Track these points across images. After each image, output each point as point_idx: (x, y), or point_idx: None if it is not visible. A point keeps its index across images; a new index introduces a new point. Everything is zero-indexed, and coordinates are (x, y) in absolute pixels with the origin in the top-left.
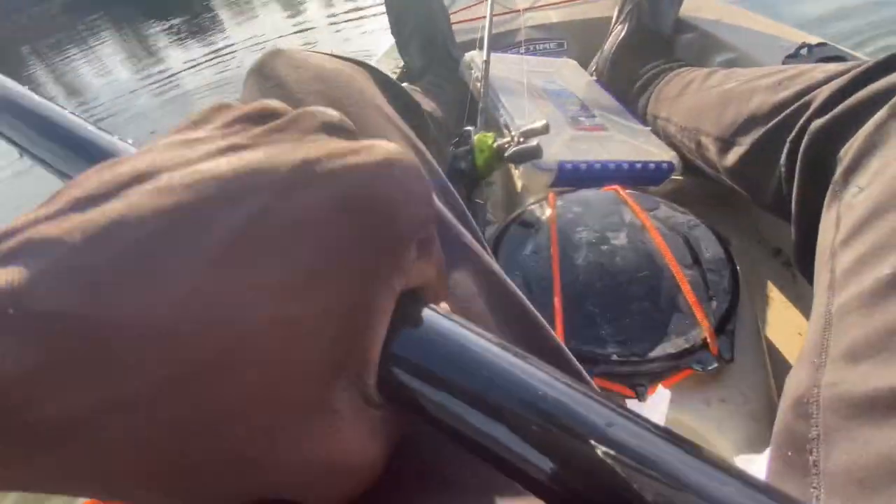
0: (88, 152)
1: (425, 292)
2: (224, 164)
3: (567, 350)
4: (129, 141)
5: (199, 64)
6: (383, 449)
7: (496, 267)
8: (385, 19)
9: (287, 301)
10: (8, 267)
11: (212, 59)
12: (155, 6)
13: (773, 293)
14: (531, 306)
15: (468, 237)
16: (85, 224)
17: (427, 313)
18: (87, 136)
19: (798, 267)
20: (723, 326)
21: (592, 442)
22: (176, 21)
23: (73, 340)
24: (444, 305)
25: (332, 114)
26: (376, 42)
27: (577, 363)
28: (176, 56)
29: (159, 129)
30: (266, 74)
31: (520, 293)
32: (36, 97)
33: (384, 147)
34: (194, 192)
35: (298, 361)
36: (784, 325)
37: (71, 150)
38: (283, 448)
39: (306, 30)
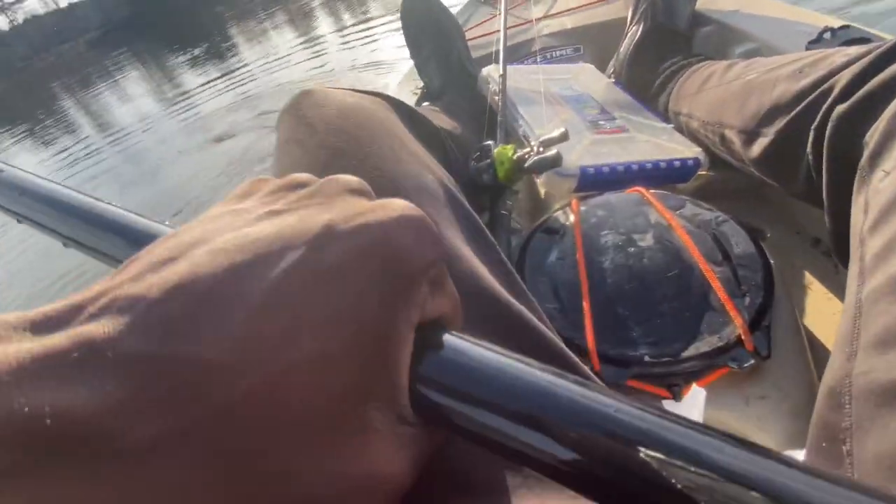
0: (137, 238)
1: (445, 321)
2: (266, 226)
3: (585, 370)
4: (167, 223)
5: (217, 87)
6: (416, 461)
7: (503, 295)
8: (392, 34)
9: (322, 337)
10: (103, 320)
11: (229, 82)
12: (175, 39)
13: (814, 285)
14: (548, 333)
15: (477, 270)
16: (160, 282)
17: (448, 338)
18: (137, 225)
19: (836, 256)
20: (758, 322)
21: (602, 434)
22: (195, 51)
23: (152, 376)
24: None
25: (352, 179)
26: (385, 54)
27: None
28: (196, 82)
29: (185, 150)
30: (296, 115)
31: (534, 321)
32: (78, 194)
33: (397, 204)
34: (243, 251)
35: (334, 387)
36: (827, 317)
37: (121, 237)
38: (324, 462)
39: (318, 51)
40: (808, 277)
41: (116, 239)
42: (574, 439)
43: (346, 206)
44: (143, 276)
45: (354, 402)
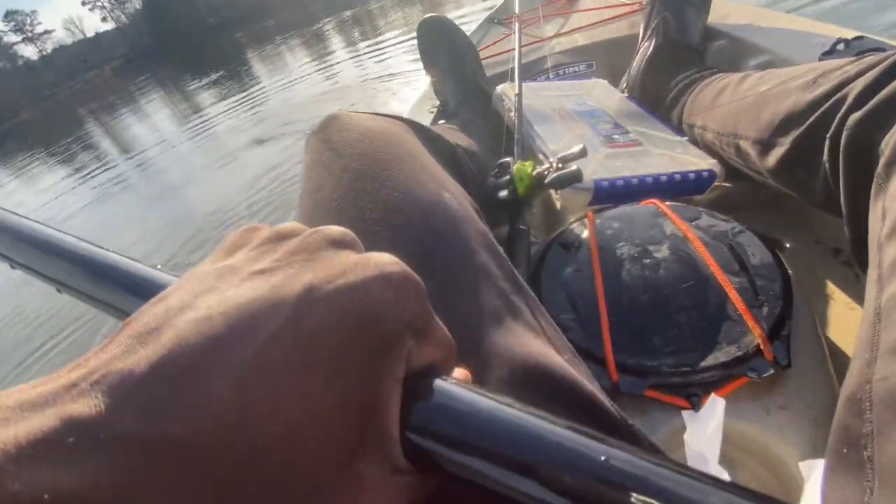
0: (130, 285)
1: (437, 368)
2: (249, 290)
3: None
4: (158, 266)
5: (235, 107)
6: None
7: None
8: (403, 53)
9: (305, 403)
10: (95, 399)
11: (245, 103)
12: (196, 65)
13: (836, 294)
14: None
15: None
16: (146, 357)
17: (438, 385)
18: (130, 271)
19: (857, 264)
20: (777, 332)
21: (591, 479)
22: (215, 74)
23: (141, 457)
24: (460, 374)
25: (335, 231)
26: (396, 70)
27: (607, 405)
28: (214, 103)
29: (207, 166)
30: (322, 139)
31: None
32: (75, 241)
33: (378, 260)
34: (226, 319)
35: (322, 450)
36: (848, 326)
37: (113, 282)
38: None
39: (331, 72)
40: (829, 287)
41: (109, 285)
42: (564, 484)
43: (328, 263)
44: (131, 350)
45: (345, 460)
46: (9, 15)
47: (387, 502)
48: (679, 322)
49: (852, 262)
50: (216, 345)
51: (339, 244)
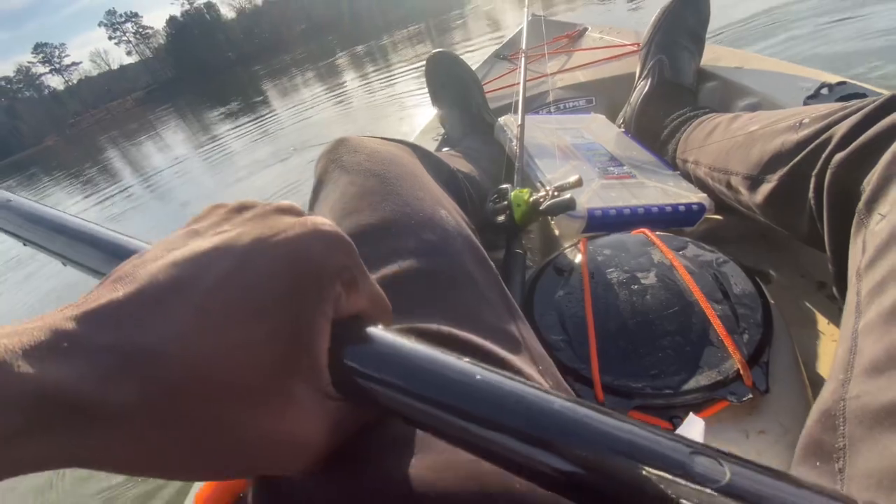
0: (115, 252)
1: (366, 316)
2: (207, 242)
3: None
4: (144, 241)
5: (248, 133)
6: (338, 430)
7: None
8: (411, 80)
9: (248, 327)
10: (86, 319)
11: (259, 129)
12: (215, 96)
13: (819, 326)
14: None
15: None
16: (125, 289)
17: (362, 329)
18: (111, 239)
19: (839, 295)
20: (756, 358)
21: (475, 402)
22: (232, 105)
23: (117, 361)
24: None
25: (284, 203)
26: (403, 98)
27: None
28: (230, 130)
29: (219, 186)
30: (332, 159)
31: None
32: (72, 218)
33: (313, 220)
34: (187, 262)
35: (261, 365)
36: (830, 356)
37: (101, 251)
38: (257, 422)
39: (342, 99)
40: (812, 318)
41: (103, 255)
42: (464, 413)
43: (274, 223)
44: (112, 288)
45: (281, 377)
46: (38, 47)
47: (314, 421)
48: (663, 346)
49: (835, 296)
50: (178, 279)
51: (285, 211)
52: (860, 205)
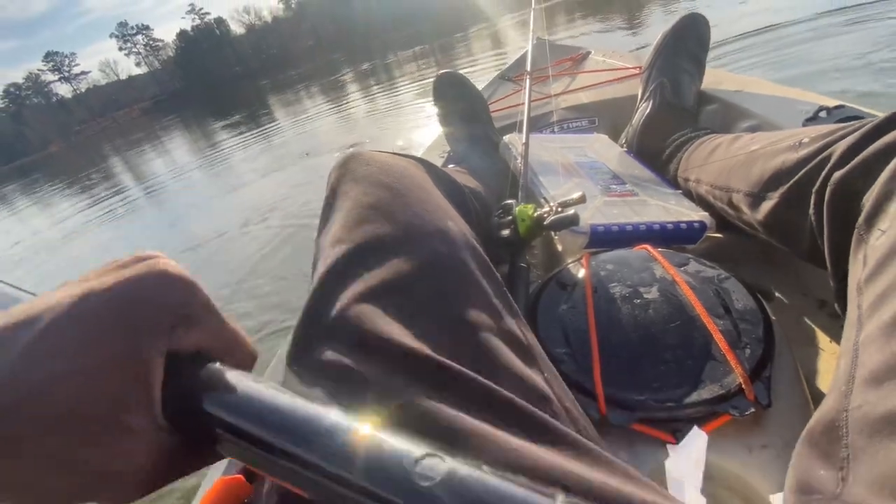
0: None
1: (213, 353)
2: (56, 294)
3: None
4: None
5: (250, 143)
6: (173, 463)
7: (486, 336)
8: (414, 98)
9: (78, 361)
10: None
11: (261, 140)
12: (220, 107)
13: (821, 342)
14: (523, 369)
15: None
16: None
17: (203, 366)
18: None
19: (841, 312)
20: (758, 373)
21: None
22: (237, 116)
23: None
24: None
25: (143, 253)
26: (407, 114)
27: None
28: (232, 139)
29: (218, 194)
30: (345, 171)
31: (508, 355)
32: None
33: (156, 262)
34: (34, 308)
35: (93, 396)
36: (831, 372)
37: None
38: (93, 450)
39: (345, 112)
40: (813, 335)
41: None
42: (289, 451)
43: (124, 269)
44: None
45: (113, 412)
46: (48, 56)
47: (149, 451)
48: (666, 359)
49: (836, 314)
50: (18, 325)
51: (141, 258)
52: (860, 220)
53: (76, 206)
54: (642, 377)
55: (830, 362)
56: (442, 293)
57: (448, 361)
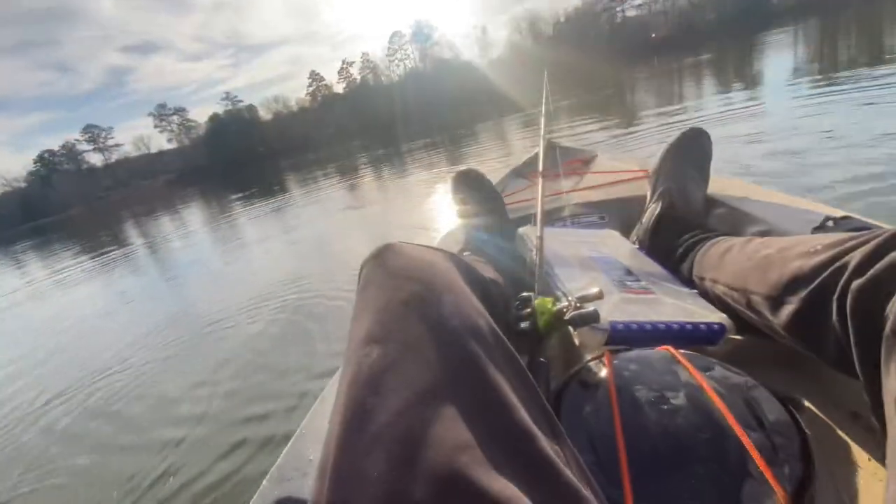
0: None
1: None
2: None
3: None
4: None
5: (259, 216)
6: None
7: (546, 450)
8: (424, 185)
9: None
10: None
11: (275, 214)
12: (238, 182)
13: (861, 461)
14: (581, 490)
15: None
16: None
17: None
18: None
19: (879, 424)
20: (800, 495)
21: None
22: (254, 190)
23: None
24: None
25: None
26: (418, 199)
27: None
28: (244, 213)
29: (230, 258)
30: (378, 263)
31: (571, 478)
32: None
33: None
34: None
35: None
36: (872, 493)
37: None
38: None
39: (359, 201)
40: (849, 452)
41: None
42: None
43: None
44: None
45: None
46: (87, 128)
47: None
48: (699, 475)
49: (872, 426)
50: None
51: None
52: (887, 331)
53: (82, 266)
54: (675, 493)
55: (871, 482)
56: (486, 398)
57: None
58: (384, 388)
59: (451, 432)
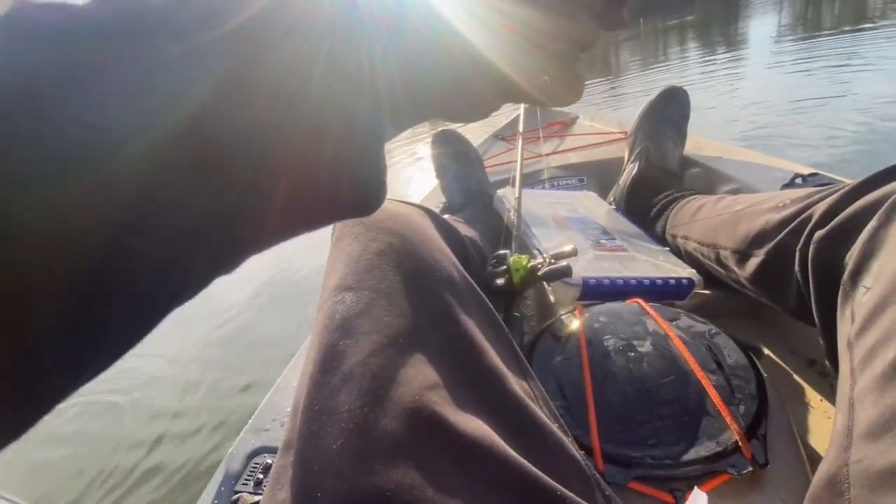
0: None
1: None
2: None
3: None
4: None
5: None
6: None
7: (514, 389)
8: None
9: None
10: None
11: None
12: None
13: (814, 403)
14: (546, 423)
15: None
16: None
17: None
18: None
19: (832, 369)
20: (753, 430)
21: None
22: None
23: None
24: None
25: None
26: (403, 165)
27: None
28: None
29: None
30: None
31: (538, 414)
32: None
33: None
34: None
35: None
36: (824, 432)
37: None
38: None
39: None
40: (803, 394)
41: None
42: None
43: None
44: None
45: None
46: None
47: None
48: (662, 415)
49: (826, 371)
50: None
51: None
52: (844, 278)
53: None
54: (638, 433)
55: (822, 421)
56: (457, 344)
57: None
58: (356, 331)
59: (421, 374)
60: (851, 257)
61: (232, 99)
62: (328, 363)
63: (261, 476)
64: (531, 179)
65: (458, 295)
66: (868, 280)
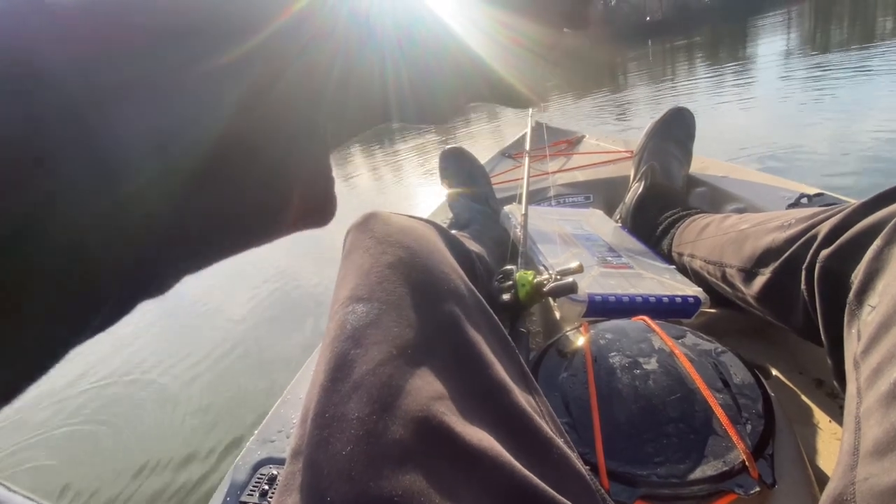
0: None
1: None
2: None
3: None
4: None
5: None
6: None
7: (520, 402)
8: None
9: None
10: None
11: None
12: None
13: (822, 423)
14: (554, 438)
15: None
16: None
17: None
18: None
19: (838, 384)
20: (761, 450)
21: None
22: None
23: None
24: None
25: None
26: (410, 180)
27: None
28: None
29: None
30: (363, 229)
31: (544, 428)
32: None
33: None
34: None
35: None
36: (832, 454)
37: None
38: None
39: (351, 181)
40: (811, 415)
41: None
42: None
43: None
44: None
45: None
46: None
47: None
48: (668, 433)
49: (834, 392)
50: None
51: None
52: (850, 297)
53: None
54: (644, 451)
55: (831, 441)
56: (464, 356)
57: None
58: (366, 341)
59: (429, 384)
60: (857, 276)
61: (254, 112)
62: (338, 372)
63: (266, 487)
64: (538, 196)
65: (466, 308)
66: (873, 299)
